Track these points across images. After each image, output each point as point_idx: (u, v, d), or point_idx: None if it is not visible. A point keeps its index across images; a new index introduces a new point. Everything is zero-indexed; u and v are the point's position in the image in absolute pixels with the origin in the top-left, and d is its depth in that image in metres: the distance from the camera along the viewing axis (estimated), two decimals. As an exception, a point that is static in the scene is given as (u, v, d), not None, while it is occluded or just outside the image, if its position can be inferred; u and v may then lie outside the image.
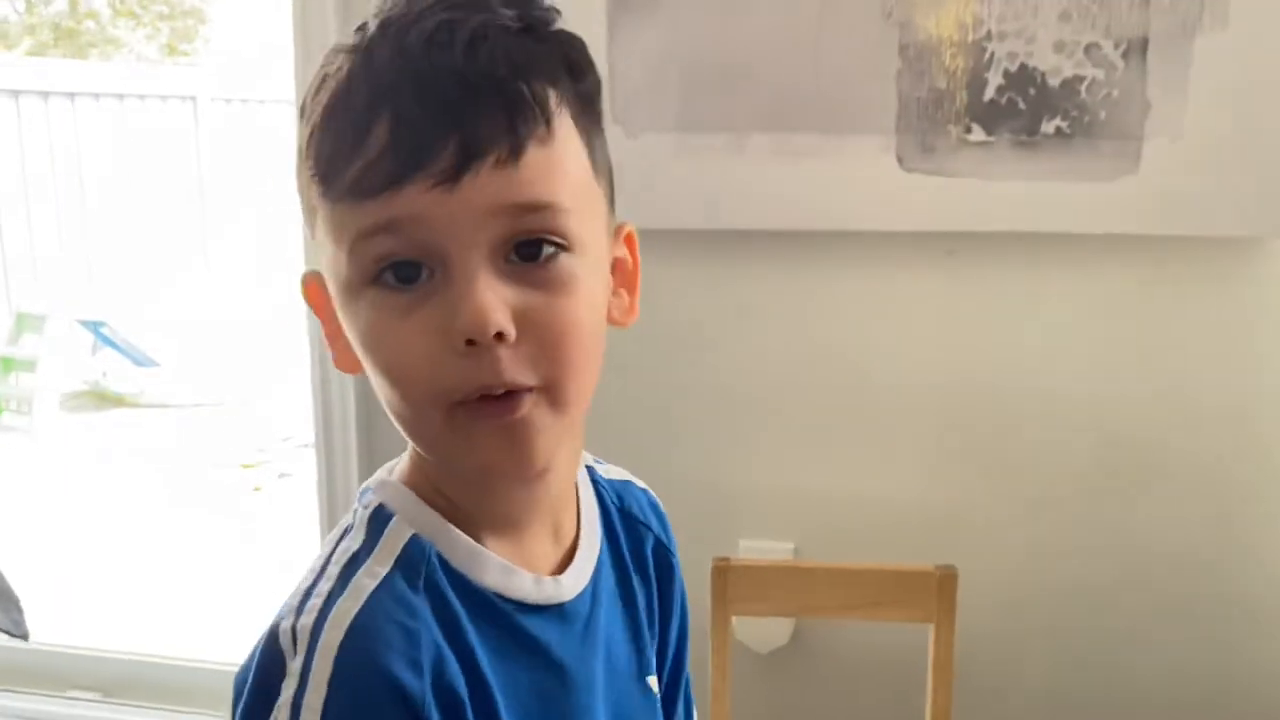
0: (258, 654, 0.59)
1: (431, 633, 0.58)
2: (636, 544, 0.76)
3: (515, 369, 0.56)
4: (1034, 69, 1.33)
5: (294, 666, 0.57)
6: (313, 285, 0.64)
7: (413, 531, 0.61)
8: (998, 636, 1.54)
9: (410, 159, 0.54)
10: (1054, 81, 1.33)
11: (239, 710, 0.59)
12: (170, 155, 5.75)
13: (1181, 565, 1.49)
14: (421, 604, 0.59)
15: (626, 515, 0.76)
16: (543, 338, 0.57)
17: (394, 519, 0.62)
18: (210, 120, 5.89)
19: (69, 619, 2.71)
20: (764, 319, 1.46)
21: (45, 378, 4.93)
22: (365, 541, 0.61)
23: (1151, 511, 1.48)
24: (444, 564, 0.61)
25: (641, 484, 0.80)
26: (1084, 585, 1.53)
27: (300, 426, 2.82)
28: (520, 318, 0.56)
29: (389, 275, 0.56)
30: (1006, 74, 1.34)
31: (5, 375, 4.98)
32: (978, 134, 1.36)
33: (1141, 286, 1.43)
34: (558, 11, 0.60)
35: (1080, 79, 1.32)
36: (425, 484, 0.64)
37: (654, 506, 0.80)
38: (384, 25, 0.57)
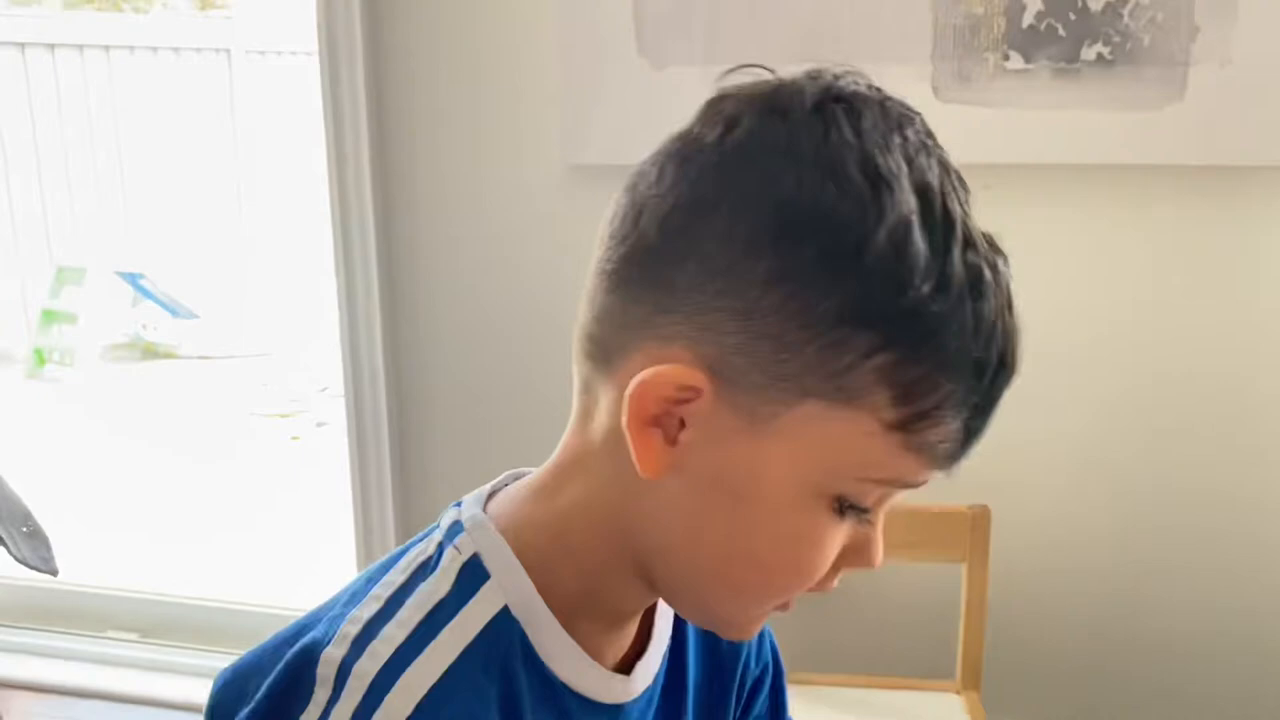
0: (283, 666, 0.55)
1: None
2: None
3: None
4: (1076, -8, 1.28)
5: (338, 713, 0.52)
6: (690, 385, 0.53)
7: (505, 603, 0.56)
8: (1031, 576, 1.52)
9: (965, 450, 0.54)
10: (1096, 5, 1.28)
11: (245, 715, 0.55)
12: (204, 108, 5.76)
13: (1216, 503, 1.46)
14: (491, 688, 0.55)
15: None
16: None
17: (489, 581, 0.57)
18: (244, 73, 5.88)
19: (108, 563, 2.76)
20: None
21: (86, 330, 4.99)
22: (452, 596, 0.56)
23: (1189, 449, 1.45)
24: (524, 647, 0.57)
25: None
26: (1119, 523, 1.50)
27: (338, 376, 2.85)
28: None
29: (851, 511, 0.55)
30: (1046, -2, 1.29)
31: (47, 328, 5.04)
32: (1016, 62, 1.32)
33: (1188, 218, 1.39)
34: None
35: (1123, 2, 1.27)
36: (535, 550, 0.58)
37: None
38: (967, 262, 0.52)
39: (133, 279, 5.30)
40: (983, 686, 1.44)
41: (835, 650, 1.59)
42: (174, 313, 5.33)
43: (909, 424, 0.51)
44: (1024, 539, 1.47)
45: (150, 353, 5.27)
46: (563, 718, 0.58)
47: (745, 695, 0.73)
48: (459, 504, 0.61)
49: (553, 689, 0.58)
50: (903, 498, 0.57)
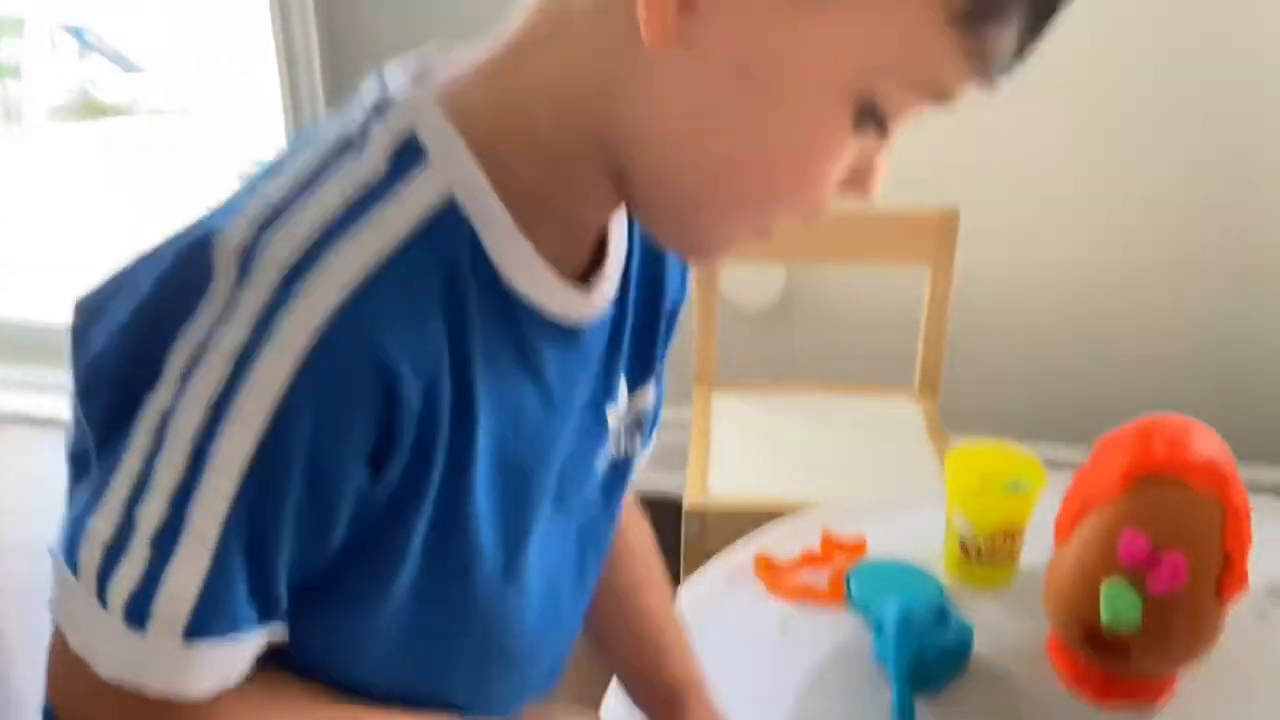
0: (173, 257, 0.46)
1: (440, 330, 0.47)
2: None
3: None
4: None
5: (248, 303, 0.44)
6: None
7: (450, 194, 0.48)
8: (996, 284, 1.51)
9: (1015, 64, 0.50)
10: None
11: (116, 326, 0.46)
12: None
13: (1191, 209, 1.44)
14: (437, 289, 0.48)
15: None
16: None
17: (428, 161, 0.48)
18: None
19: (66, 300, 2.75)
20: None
21: (32, 85, 4.80)
22: (384, 178, 0.48)
23: (1163, 150, 1.42)
24: (474, 248, 0.49)
25: None
26: (1088, 230, 1.49)
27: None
28: None
29: (873, 122, 0.49)
30: None
31: (-11, 82, 4.83)
32: None
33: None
34: None
35: None
36: (485, 134, 0.49)
37: None
38: None
39: (77, 33, 5.05)
40: (940, 396, 1.46)
41: (795, 357, 1.59)
42: (122, 66, 5.11)
43: (974, 19, 0.46)
44: (991, 245, 1.45)
45: (99, 110, 5.08)
46: (513, 331, 0.52)
47: (665, 327, 0.68)
48: (379, 75, 0.51)
49: (505, 302, 0.51)
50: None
